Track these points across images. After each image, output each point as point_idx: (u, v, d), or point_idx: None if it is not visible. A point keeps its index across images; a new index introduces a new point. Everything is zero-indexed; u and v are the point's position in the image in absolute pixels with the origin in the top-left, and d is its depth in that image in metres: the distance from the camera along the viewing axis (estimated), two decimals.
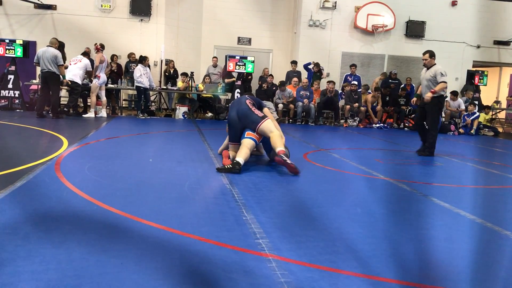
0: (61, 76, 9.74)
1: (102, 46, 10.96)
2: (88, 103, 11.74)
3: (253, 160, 5.99)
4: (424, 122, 7.69)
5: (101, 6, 13.25)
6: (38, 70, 10.76)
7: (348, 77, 13.71)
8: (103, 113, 10.92)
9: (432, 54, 7.51)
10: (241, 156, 5.21)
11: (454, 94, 12.81)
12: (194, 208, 3.61)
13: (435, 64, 7.48)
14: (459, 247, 3.10)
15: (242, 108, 5.63)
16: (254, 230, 3.12)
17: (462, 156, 7.98)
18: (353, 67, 13.80)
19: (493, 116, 13.79)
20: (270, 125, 5.50)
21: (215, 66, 13.41)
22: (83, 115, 10.68)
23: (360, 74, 14.18)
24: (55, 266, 2.37)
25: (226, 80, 12.76)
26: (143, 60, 11.26)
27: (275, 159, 5.27)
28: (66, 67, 10.48)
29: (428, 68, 7.49)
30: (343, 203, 4.16)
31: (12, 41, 11.46)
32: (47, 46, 9.79)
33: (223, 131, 9.38)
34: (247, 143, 5.41)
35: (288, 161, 5.17)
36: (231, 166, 5.07)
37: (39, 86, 9.97)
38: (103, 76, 10.85)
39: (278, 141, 5.35)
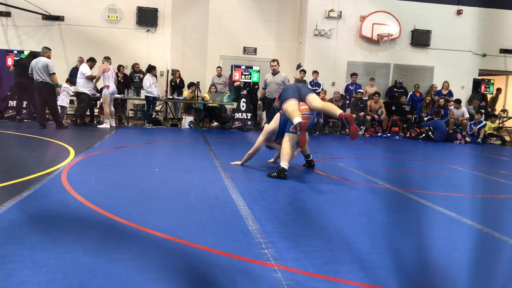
0: (54, 85, 9.76)
1: (107, 58, 10.99)
2: (95, 113, 11.84)
3: (258, 167, 6.00)
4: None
5: (108, 17, 13.39)
6: None
7: (350, 86, 13.73)
8: (111, 122, 10.97)
9: (278, 62, 8.99)
10: (286, 160, 5.54)
11: (458, 102, 12.78)
12: (199, 217, 3.61)
13: (279, 71, 8.87)
14: (466, 257, 3.08)
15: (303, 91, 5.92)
16: (260, 240, 3.11)
17: (468, 165, 7.94)
18: (354, 76, 13.83)
19: (500, 125, 13.71)
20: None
21: (219, 76, 13.47)
22: (98, 126, 10.70)
23: (365, 83, 14.19)
24: (61, 276, 2.38)
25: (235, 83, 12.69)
26: (151, 69, 11.33)
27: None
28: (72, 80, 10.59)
29: (274, 74, 8.79)
30: (349, 213, 4.15)
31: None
32: (40, 56, 9.83)
33: (228, 140, 9.44)
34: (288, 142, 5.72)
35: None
36: (276, 174, 5.47)
37: (36, 97, 9.96)
38: (112, 86, 10.88)
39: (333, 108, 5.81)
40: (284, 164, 5.53)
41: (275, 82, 8.76)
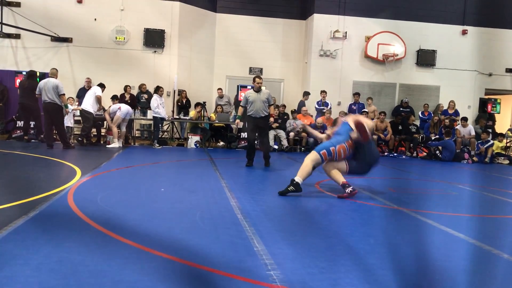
0: (63, 106, 9.82)
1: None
2: (102, 133, 11.91)
3: (264, 187, 5.98)
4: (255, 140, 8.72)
5: (116, 38, 13.57)
6: None
7: (352, 106, 13.77)
8: (119, 142, 11.00)
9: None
10: (302, 176, 5.70)
11: (465, 120, 12.73)
12: (205, 238, 3.59)
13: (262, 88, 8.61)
14: (475, 279, 3.04)
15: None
16: (265, 261, 3.09)
17: (476, 185, 7.88)
18: (356, 95, 13.90)
19: (508, 144, 13.63)
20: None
21: (221, 97, 13.52)
22: (107, 146, 10.77)
23: (370, 102, 14.21)
24: None
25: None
26: (158, 90, 11.41)
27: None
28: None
29: (257, 91, 8.45)
30: (356, 233, 4.11)
31: None
32: (49, 77, 9.91)
33: (234, 160, 9.43)
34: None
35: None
36: (293, 188, 5.62)
37: (44, 118, 10.08)
38: (124, 107, 10.95)
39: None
40: (299, 179, 5.65)
41: (260, 99, 8.51)
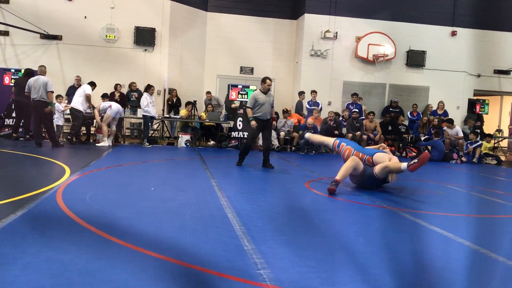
0: (49, 103, 9.66)
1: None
2: (91, 132, 11.84)
3: (254, 187, 5.98)
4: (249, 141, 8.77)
5: (106, 36, 13.50)
6: None
7: (350, 106, 13.82)
8: (108, 141, 10.94)
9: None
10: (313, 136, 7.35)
11: (450, 122, 12.81)
12: (195, 237, 3.59)
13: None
14: (462, 278, 3.06)
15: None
16: (256, 260, 3.09)
17: (464, 185, 7.95)
18: (355, 96, 13.92)
19: (496, 145, 13.76)
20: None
21: (210, 99, 13.48)
22: (96, 145, 10.69)
23: (361, 102, 14.28)
24: None
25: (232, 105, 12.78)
26: (148, 88, 11.36)
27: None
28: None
29: (265, 93, 8.46)
30: (346, 233, 4.13)
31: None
32: (38, 75, 9.78)
33: (225, 159, 9.43)
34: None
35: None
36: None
37: (33, 116, 9.96)
38: (115, 106, 10.87)
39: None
40: (308, 134, 7.42)
41: (269, 102, 8.39)
